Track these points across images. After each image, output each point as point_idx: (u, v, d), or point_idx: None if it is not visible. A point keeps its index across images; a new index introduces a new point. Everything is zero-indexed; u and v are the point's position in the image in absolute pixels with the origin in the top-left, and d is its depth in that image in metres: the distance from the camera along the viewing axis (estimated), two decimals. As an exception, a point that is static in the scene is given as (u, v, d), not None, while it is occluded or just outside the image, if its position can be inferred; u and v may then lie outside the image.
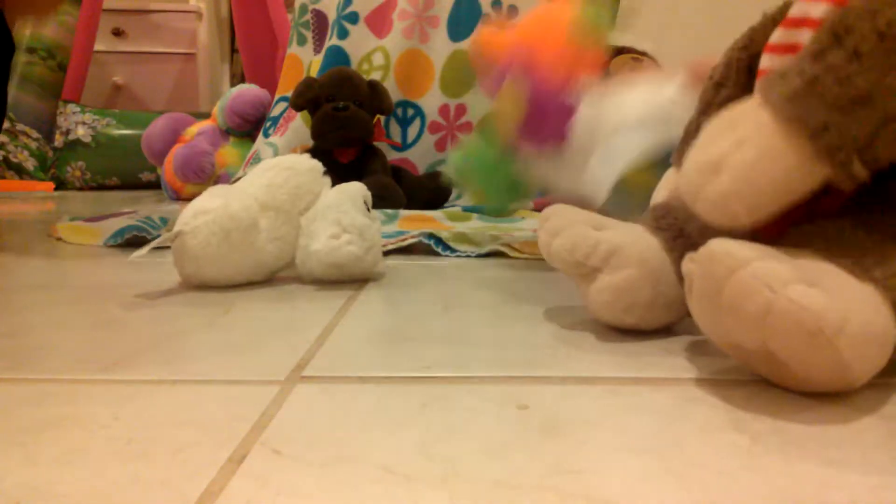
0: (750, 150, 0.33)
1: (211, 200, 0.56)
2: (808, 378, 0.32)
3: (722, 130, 0.35)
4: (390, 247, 0.73)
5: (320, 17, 1.23)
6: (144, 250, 0.54)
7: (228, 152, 1.43)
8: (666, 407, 0.32)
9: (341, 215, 0.56)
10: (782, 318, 0.29)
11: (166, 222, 0.78)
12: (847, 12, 0.32)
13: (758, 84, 0.34)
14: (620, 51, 1.04)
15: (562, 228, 0.42)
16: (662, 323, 0.43)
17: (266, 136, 1.26)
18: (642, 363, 0.38)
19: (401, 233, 0.80)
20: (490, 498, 0.24)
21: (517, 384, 0.35)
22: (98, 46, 2.18)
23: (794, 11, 0.37)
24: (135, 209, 1.16)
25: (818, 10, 0.35)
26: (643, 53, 1.04)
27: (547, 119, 0.56)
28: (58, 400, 0.33)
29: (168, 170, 1.46)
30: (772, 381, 0.34)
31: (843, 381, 0.32)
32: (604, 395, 0.34)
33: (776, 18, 0.40)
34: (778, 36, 0.37)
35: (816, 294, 0.29)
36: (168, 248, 0.75)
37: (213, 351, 0.41)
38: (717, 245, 0.31)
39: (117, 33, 2.42)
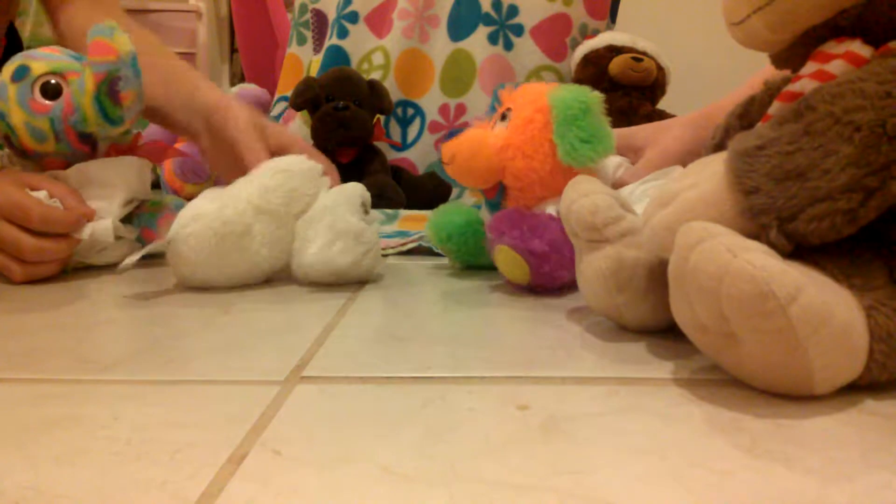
0: (696, 191, 0.35)
1: (205, 205, 0.55)
2: (762, 359, 0.31)
3: (694, 171, 0.37)
4: (391, 251, 0.73)
5: (320, 17, 1.23)
6: (134, 258, 0.54)
7: (228, 152, 1.43)
8: (666, 407, 0.32)
9: (336, 220, 0.56)
10: (737, 277, 0.29)
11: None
12: (816, 92, 0.33)
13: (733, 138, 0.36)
14: (619, 50, 1.04)
15: (593, 192, 0.43)
16: (650, 322, 0.42)
17: (266, 135, 1.27)
18: (642, 363, 0.38)
19: (401, 233, 0.80)
20: (490, 498, 0.24)
21: (517, 384, 0.35)
22: (98, 46, 2.18)
23: (793, 87, 0.37)
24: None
25: (810, 87, 0.36)
26: (643, 53, 1.04)
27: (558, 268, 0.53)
28: (58, 400, 0.33)
29: (167, 169, 1.46)
30: (738, 378, 0.34)
31: (800, 370, 0.31)
32: (604, 395, 0.34)
33: (772, 92, 0.41)
34: (773, 108, 0.38)
35: (776, 261, 0.29)
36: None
37: (213, 351, 0.41)
38: (695, 222, 0.32)
39: (117, 33, 2.41)
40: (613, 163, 0.64)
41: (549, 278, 0.53)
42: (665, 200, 0.36)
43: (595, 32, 1.13)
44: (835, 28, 0.35)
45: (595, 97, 0.54)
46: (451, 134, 0.60)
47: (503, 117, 0.58)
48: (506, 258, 0.53)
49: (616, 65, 1.02)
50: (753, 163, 0.33)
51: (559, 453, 0.27)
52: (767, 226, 0.33)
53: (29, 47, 0.72)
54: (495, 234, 0.54)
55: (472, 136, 0.58)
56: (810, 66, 0.36)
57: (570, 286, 0.55)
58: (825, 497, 0.24)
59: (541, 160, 0.55)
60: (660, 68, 1.05)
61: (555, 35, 1.11)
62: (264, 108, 1.43)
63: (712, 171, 0.35)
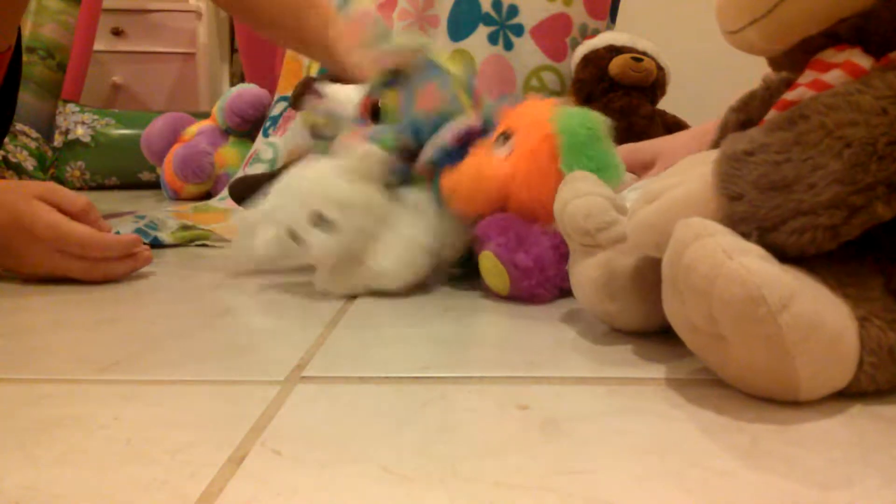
0: (681, 190, 0.34)
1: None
2: (749, 363, 0.31)
3: (682, 169, 0.36)
4: None
5: (320, 17, 1.23)
6: None
7: (228, 152, 1.42)
8: (666, 407, 0.32)
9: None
10: (729, 280, 0.29)
11: (156, 227, 0.78)
12: (812, 100, 0.33)
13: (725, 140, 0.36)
14: (619, 50, 1.04)
15: (588, 193, 0.42)
16: (643, 326, 0.42)
17: (266, 135, 1.27)
18: (642, 364, 0.38)
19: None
20: (490, 498, 0.24)
21: (517, 384, 0.35)
22: (97, 46, 2.18)
23: (790, 95, 0.37)
24: (134, 209, 1.16)
25: (807, 97, 0.36)
26: (643, 53, 1.04)
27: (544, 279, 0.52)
28: (57, 400, 0.33)
29: (168, 169, 1.46)
30: (723, 379, 0.34)
31: (787, 377, 0.30)
32: (604, 395, 0.34)
33: (772, 91, 0.41)
34: (769, 116, 0.38)
35: (771, 267, 0.29)
36: (166, 246, 0.75)
37: (213, 351, 0.41)
38: (695, 218, 0.32)
39: (117, 33, 2.41)
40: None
41: (528, 294, 0.51)
42: (650, 197, 0.36)
43: (595, 32, 1.13)
44: (834, 35, 0.35)
45: (602, 121, 0.52)
46: (451, 156, 0.55)
47: (504, 138, 0.54)
48: (488, 265, 0.52)
49: (616, 65, 1.02)
50: (741, 168, 0.32)
51: (559, 453, 0.27)
52: (747, 234, 0.32)
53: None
54: (482, 238, 0.52)
55: (472, 168, 0.54)
56: (808, 75, 0.35)
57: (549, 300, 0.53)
58: (825, 498, 0.24)
59: (548, 192, 0.50)
60: (660, 68, 1.05)
61: (555, 35, 1.11)
62: (264, 108, 1.43)
63: (701, 172, 0.34)
